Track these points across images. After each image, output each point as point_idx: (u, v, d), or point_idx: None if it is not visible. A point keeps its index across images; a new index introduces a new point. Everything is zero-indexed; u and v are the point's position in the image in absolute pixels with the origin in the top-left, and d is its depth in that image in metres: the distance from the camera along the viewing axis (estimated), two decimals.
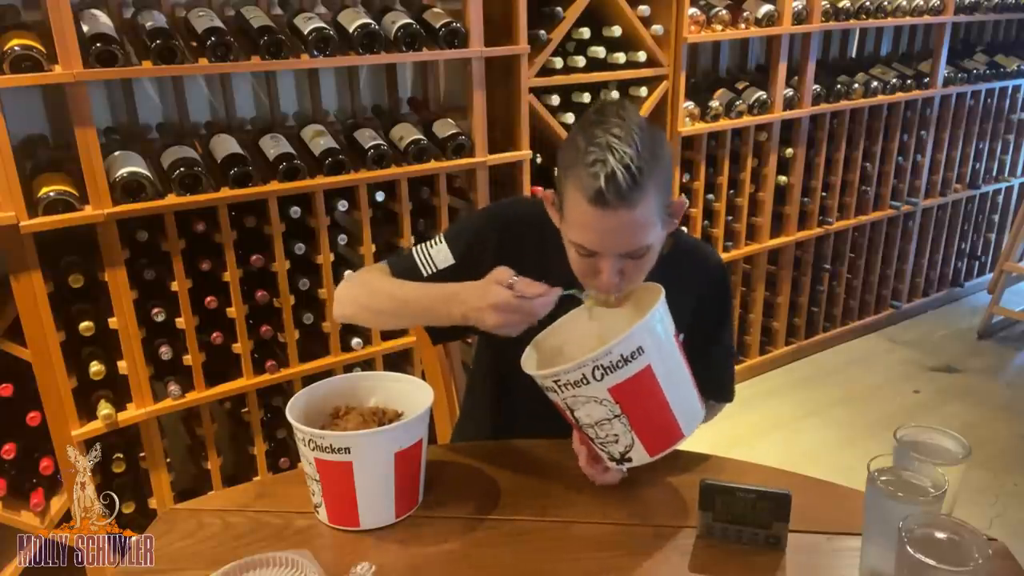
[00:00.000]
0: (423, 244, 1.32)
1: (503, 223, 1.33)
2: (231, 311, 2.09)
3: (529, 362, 1.14)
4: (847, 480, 1.21)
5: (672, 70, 2.77)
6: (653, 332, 1.05)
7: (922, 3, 3.32)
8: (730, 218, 3.14)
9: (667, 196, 1.14)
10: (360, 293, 1.29)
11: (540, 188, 1.24)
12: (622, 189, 1.05)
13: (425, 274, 1.29)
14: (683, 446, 1.32)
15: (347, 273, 1.31)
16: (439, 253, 1.29)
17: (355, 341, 2.29)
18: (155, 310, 2.00)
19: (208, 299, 2.06)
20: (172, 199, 1.93)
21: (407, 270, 1.29)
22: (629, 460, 1.11)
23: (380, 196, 2.29)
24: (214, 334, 2.09)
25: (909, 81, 3.43)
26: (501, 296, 1.07)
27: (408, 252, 1.33)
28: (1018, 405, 3.19)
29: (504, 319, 1.08)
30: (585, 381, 1.04)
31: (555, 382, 1.06)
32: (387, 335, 2.36)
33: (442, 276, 1.27)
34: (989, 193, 4.13)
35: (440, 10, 2.29)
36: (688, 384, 1.12)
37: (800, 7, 2.98)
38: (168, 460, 2.16)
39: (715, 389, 1.42)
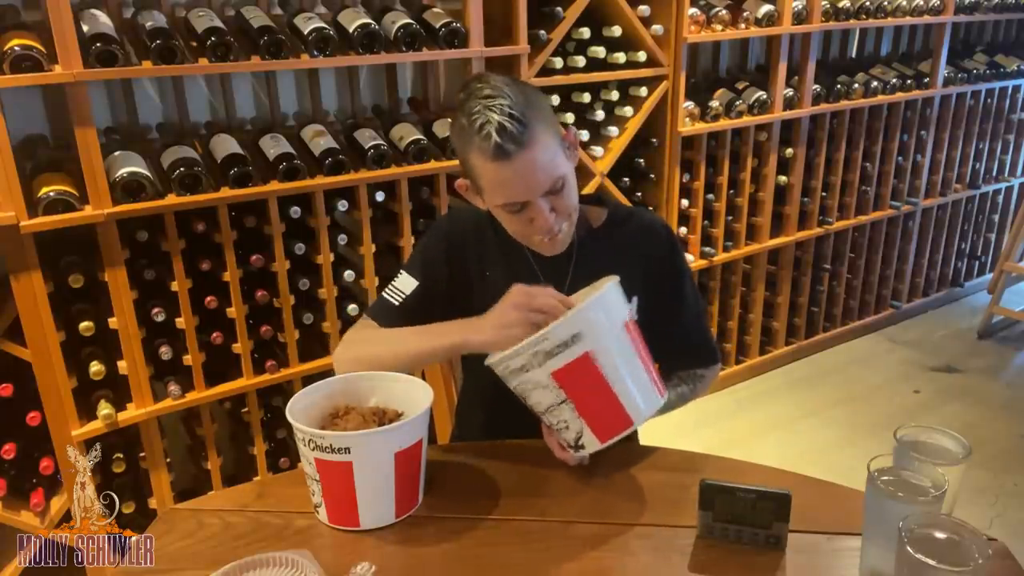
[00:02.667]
0: (388, 285, 1.41)
1: (445, 236, 1.42)
2: (231, 311, 2.09)
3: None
4: (847, 480, 1.21)
5: (672, 70, 2.77)
6: (591, 319, 1.07)
7: (922, 3, 3.32)
8: (730, 218, 3.14)
9: (557, 132, 1.23)
10: (361, 353, 1.34)
11: (461, 180, 1.31)
12: (514, 135, 1.15)
13: (396, 303, 1.37)
14: (683, 446, 1.33)
15: (342, 342, 1.41)
16: (402, 282, 1.39)
17: None
18: (155, 310, 2.00)
19: (208, 299, 2.06)
20: (172, 199, 1.93)
21: (384, 311, 1.38)
22: (583, 447, 1.14)
23: (380, 196, 2.29)
24: (214, 334, 2.09)
25: (909, 81, 3.43)
26: (528, 299, 1.14)
27: (378, 296, 1.42)
28: (1018, 405, 3.19)
29: (519, 313, 1.14)
30: (528, 367, 1.08)
31: (504, 369, 1.11)
32: None
33: (412, 299, 1.37)
34: (989, 193, 4.13)
35: (440, 10, 2.29)
36: (638, 372, 1.13)
37: (800, 7, 2.98)
38: (168, 460, 2.16)
39: (697, 353, 1.46)
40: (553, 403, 1.11)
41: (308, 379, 2.18)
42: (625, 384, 1.11)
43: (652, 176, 2.91)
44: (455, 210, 1.50)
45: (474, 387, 1.53)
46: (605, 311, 1.10)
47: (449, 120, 2.33)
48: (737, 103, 2.94)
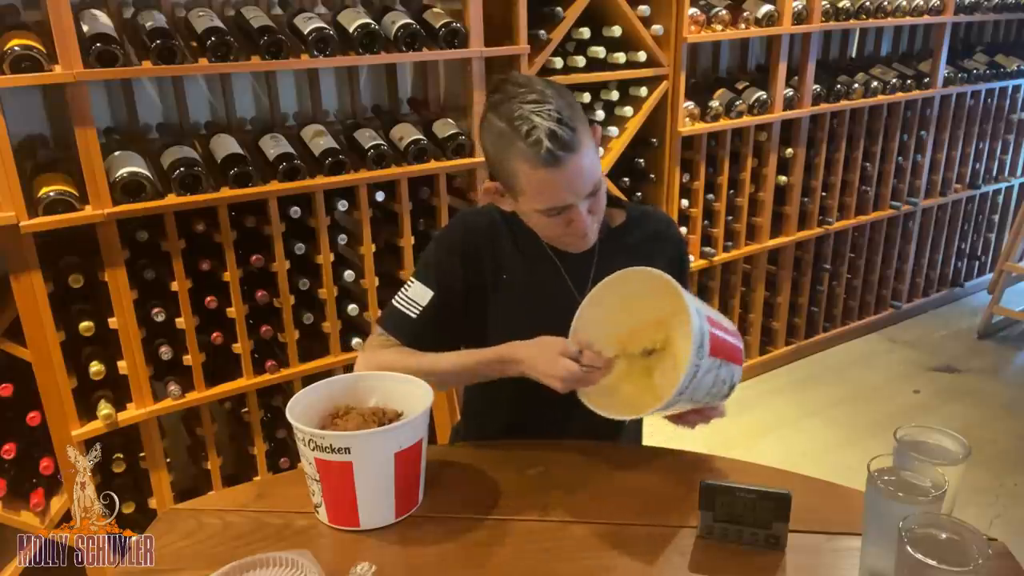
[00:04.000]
0: (398, 294, 1.38)
1: (458, 242, 1.39)
2: (231, 311, 2.09)
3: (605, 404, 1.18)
4: (847, 480, 1.21)
5: (672, 70, 2.77)
6: (693, 303, 1.12)
7: (922, 3, 3.32)
8: (730, 218, 3.14)
9: (591, 132, 1.24)
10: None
11: (489, 184, 1.31)
12: (565, 141, 1.16)
13: (414, 315, 1.35)
14: (683, 446, 1.33)
15: (358, 358, 1.37)
16: (416, 292, 1.36)
17: (355, 341, 2.29)
18: (155, 310, 2.00)
19: (208, 299, 2.06)
20: (172, 199, 1.93)
21: (401, 324, 1.35)
22: (734, 386, 1.21)
23: (380, 196, 2.29)
24: (214, 334, 2.09)
25: (909, 81, 3.43)
26: (571, 371, 1.17)
27: (391, 307, 1.38)
28: (1018, 405, 3.19)
29: (567, 386, 1.19)
30: (697, 369, 1.09)
31: (684, 396, 1.12)
32: None
33: (429, 309, 1.34)
34: (989, 193, 4.13)
35: (440, 10, 2.29)
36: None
37: (800, 7, 2.98)
38: (168, 460, 2.16)
39: None
40: (715, 376, 1.14)
41: (308, 379, 2.17)
42: (719, 316, 1.19)
43: (652, 176, 2.91)
44: (464, 215, 1.46)
45: (487, 390, 1.47)
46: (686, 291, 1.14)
47: (449, 120, 2.35)
48: (737, 103, 2.94)
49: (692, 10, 2.74)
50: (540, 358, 1.21)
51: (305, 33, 2.03)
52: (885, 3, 3.19)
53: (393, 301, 1.38)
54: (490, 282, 1.37)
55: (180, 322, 2.02)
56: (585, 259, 1.35)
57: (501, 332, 1.30)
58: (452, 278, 1.35)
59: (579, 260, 1.35)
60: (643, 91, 2.79)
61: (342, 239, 2.24)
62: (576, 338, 1.22)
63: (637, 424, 1.51)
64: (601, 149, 2.74)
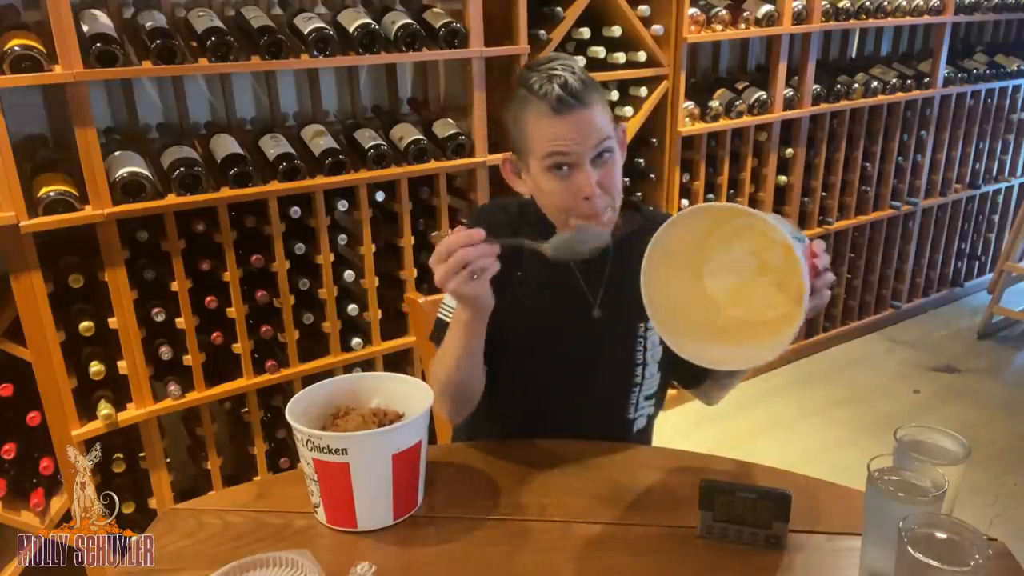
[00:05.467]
0: (441, 305, 1.36)
1: (489, 229, 1.34)
2: (231, 311, 2.09)
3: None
4: (847, 480, 1.21)
5: (672, 70, 2.77)
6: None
7: (922, 3, 3.32)
8: None
9: (611, 116, 1.27)
10: (439, 390, 1.28)
11: (506, 158, 1.31)
12: (575, 90, 1.20)
13: (449, 319, 1.30)
14: (683, 445, 1.33)
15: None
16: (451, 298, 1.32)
17: (355, 341, 2.29)
18: (155, 310, 2.00)
19: (208, 299, 2.06)
20: (172, 199, 1.93)
21: (441, 332, 1.31)
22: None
23: (380, 196, 2.29)
24: (214, 334, 2.09)
25: (909, 81, 3.43)
26: (439, 259, 1.11)
27: (436, 321, 1.37)
28: (1018, 405, 3.19)
29: (454, 276, 1.10)
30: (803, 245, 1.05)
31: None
32: (386, 334, 2.36)
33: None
34: (989, 193, 4.13)
35: (440, 10, 2.29)
36: None
37: (800, 7, 2.98)
38: (168, 460, 2.16)
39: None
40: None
41: (308, 379, 2.18)
42: None
43: (652, 176, 2.91)
44: (484, 209, 1.44)
45: (489, 390, 1.40)
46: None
47: (449, 120, 2.35)
48: (737, 103, 2.94)
49: (692, 10, 2.74)
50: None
51: (305, 33, 2.04)
52: (885, 3, 3.19)
53: (437, 314, 1.36)
54: (512, 272, 1.30)
55: (180, 322, 2.02)
56: (600, 263, 1.32)
57: (510, 330, 1.28)
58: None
59: (594, 264, 1.31)
60: (643, 91, 2.79)
61: (342, 239, 2.24)
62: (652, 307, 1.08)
63: (644, 428, 1.49)
64: None
